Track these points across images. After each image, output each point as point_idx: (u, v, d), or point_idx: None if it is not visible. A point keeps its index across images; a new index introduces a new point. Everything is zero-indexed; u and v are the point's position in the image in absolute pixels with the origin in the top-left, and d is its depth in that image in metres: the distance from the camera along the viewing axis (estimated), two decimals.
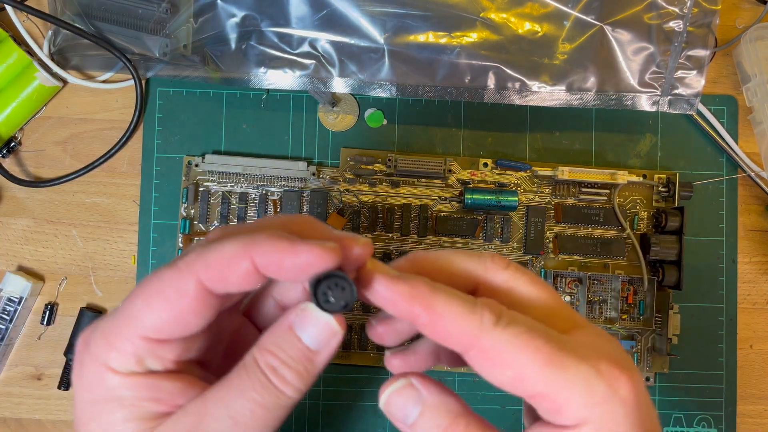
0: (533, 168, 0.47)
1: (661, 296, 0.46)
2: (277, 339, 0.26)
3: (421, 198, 0.47)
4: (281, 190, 0.47)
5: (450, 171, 0.47)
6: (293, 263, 0.25)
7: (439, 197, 0.47)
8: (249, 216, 0.47)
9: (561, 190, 0.47)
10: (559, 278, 0.46)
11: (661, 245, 0.46)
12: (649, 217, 0.47)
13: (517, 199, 0.46)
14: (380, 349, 0.46)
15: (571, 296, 0.46)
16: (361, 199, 0.47)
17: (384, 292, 0.25)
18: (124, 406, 0.26)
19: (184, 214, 0.47)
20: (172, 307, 0.25)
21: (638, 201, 0.47)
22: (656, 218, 0.47)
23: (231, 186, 0.47)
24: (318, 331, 0.26)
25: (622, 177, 0.46)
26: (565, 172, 0.46)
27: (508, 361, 0.26)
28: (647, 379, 0.47)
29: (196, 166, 0.47)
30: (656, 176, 0.47)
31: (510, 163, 0.47)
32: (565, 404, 0.24)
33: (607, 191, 0.47)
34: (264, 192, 0.47)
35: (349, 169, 0.47)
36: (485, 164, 0.47)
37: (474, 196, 0.46)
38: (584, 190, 0.47)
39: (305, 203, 0.47)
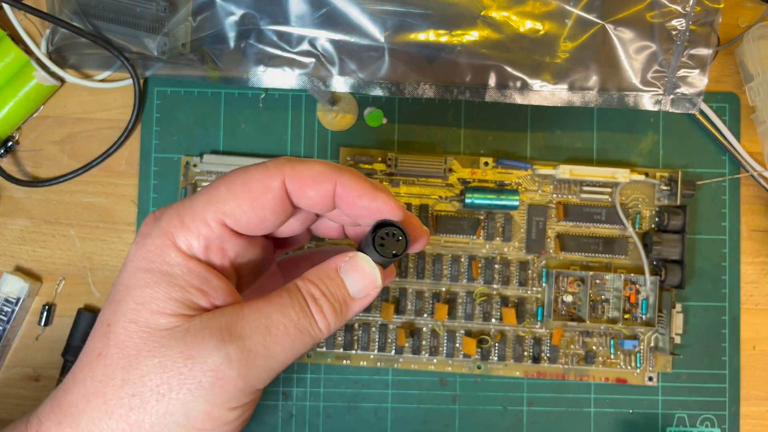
0: (534, 167, 0.47)
1: (664, 295, 0.46)
2: (322, 276, 0.28)
3: (422, 197, 0.47)
4: None
5: (450, 170, 0.47)
6: (368, 204, 0.28)
7: (440, 196, 0.47)
8: None
9: (562, 188, 0.47)
10: (561, 277, 0.46)
11: (664, 244, 0.45)
12: (652, 215, 0.47)
13: (518, 198, 0.45)
14: (381, 350, 0.46)
15: (573, 296, 0.46)
16: None
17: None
18: (173, 284, 0.26)
19: None
20: (254, 198, 0.27)
21: (640, 199, 0.47)
22: (659, 217, 0.47)
23: None
24: (361, 279, 0.28)
25: (624, 175, 0.46)
26: (566, 171, 0.46)
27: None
28: (650, 378, 0.46)
29: (195, 166, 0.46)
30: (658, 174, 0.47)
31: (511, 162, 0.47)
32: None
33: (609, 190, 0.47)
34: None
35: None
36: (486, 163, 0.47)
37: (475, 196, 0.45)
38: (586, 188, 0.47)
39: None
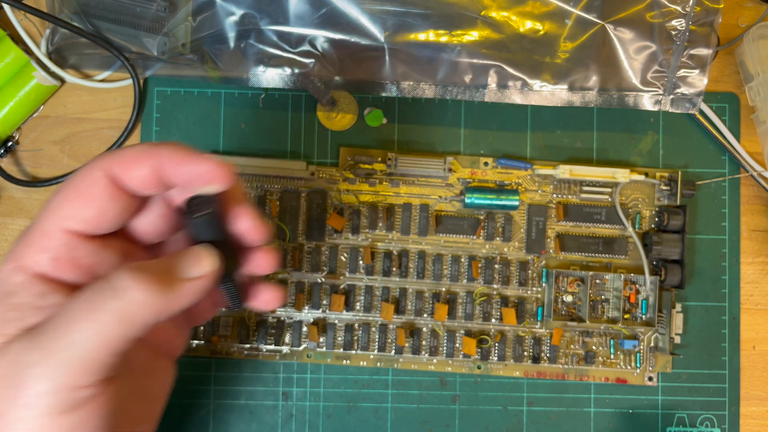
0: (534, 167, 0.47)
1: (664, 295, 0.46)
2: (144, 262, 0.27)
3: (422, 197, 0.47)
4: (280, 189, 0.47)
5: (450, 170, 0.47)
6: (192, 168, 0.28)
7: (440, 196, 0.47)
8: None
9: (562, 188, 0.47)
10: (561, 277, 0.46)
11: (664, 244, 0.45)
12: (652, 215, 0.47)
13: (518, 198, 0.45)
14: (381, 350, 0.46)
15: (573, 296, 0.46)
16: (360, 199, 0.47)
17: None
18: (10, 306, 0.26)
19: None
20: (84, 194, 0.27)
21: (640, 199, 0.47)
22: (658, 217, 0.47)
23: None
24: (191, 256, 0.28)
25: (624, 175, 0.46)
26: (566, 171, 0.46)
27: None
28: (650, 378, 0.46)
29: None
30: (658, 174, 0.47)
31: (511, 161, 0.47)
32: None
33: (609, 190, 0.47)
34: (262, 192, 0.47)
35: (348, 168, 0.47)
36: (486, 163, 0.47)
37: (474, 196, 0.45)
38: (586, 188, 0.47)
39: (304, 203, 0.46)
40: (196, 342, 0.46)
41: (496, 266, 0.46)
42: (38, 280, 0.26)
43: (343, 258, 0.46)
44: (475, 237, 0.47)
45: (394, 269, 0.46)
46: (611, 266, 0.47)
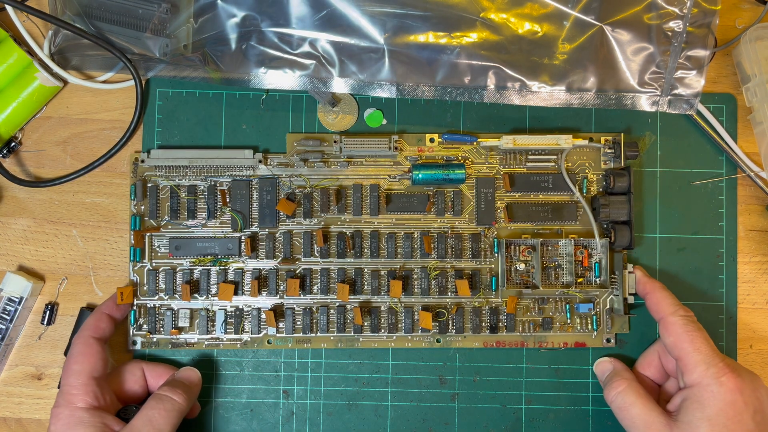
0: (479, 139, 0.47)
1: (615, 257, 0.46)
2: (169, 380, 0.45)
3: (371, 178, 0.47)
4: (230, 180, 0.47)
5: (397, 149, 0.47)
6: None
7: (389, 175, 0.47)
8: (199, 208, 0.47)
9: (509, 159, 0.47)
10: (512, 246, 0.47)
11: (611, 206, 0.46)
12: (599, 179, 0.47)
13: (464, 171, 0.46)
14: (341, 331, 0.46)
15: (525, 264, 0.47)
16: (311, 183, 0.47)
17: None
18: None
19: (134, 210, 0.47)
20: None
21: (586, 164, 0.47)
22: (605, 180, 0.47)
23: (179, 179, 0.47)
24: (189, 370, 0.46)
25: (567, 141, 0.46)
26: (509, 141, 0.46)
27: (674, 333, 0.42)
28: (608, 340, 0.47)
29: (143, 162, 0.47)
30: (603, 138, 0.47)
31: (456, 136, 0.47)
32: (689, 371, 0.41)
33: (555, 157, 0.47)
34: (212, 183, 0.47)
35: (297, 154, 0.47)
36: (432, 139, 0.47)
37: (422, 172, 0.46)
38: (531, 157, 0.47)
39: (254, 191, 0.47)
40: (157, 336, 0.46)
41: (449, 240, 0.47)
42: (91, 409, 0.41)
43: (297, 243, 0.47)
44: (425, 213, 0.47)
45: (349, 250, 0.47)
46: (562, 232, 0.47)
